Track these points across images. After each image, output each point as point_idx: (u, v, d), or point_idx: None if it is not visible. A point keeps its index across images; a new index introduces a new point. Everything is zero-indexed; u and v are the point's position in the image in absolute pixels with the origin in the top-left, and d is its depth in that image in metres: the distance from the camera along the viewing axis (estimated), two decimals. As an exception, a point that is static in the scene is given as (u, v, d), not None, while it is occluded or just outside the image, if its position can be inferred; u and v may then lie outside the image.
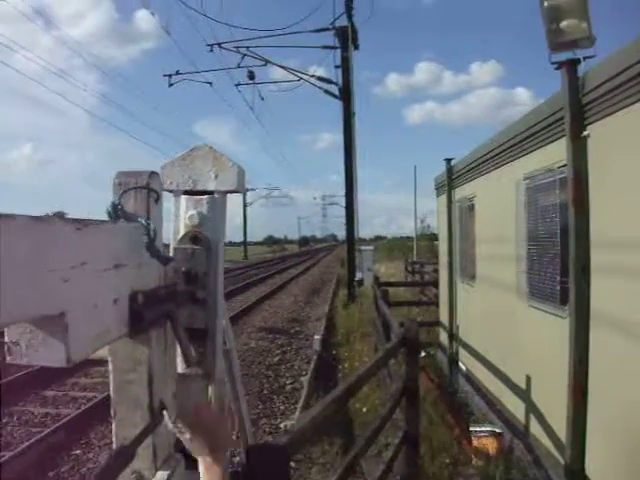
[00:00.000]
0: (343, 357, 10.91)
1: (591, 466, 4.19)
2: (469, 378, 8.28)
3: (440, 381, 9.34)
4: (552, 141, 4.91)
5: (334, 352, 11.45)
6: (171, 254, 1.61)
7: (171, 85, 21.10)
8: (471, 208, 8.45)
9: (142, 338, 1.26)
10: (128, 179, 1.31)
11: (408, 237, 53.71)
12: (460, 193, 9.20)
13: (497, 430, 6.12)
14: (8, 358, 0.96)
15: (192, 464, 1.51)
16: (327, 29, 19.99)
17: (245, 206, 74.88)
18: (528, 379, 5.61)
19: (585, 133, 4.18)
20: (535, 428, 5.45)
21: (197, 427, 1.37)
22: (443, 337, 10.58)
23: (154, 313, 1.26)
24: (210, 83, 22.32)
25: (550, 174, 5.01)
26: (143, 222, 1.27)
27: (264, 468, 1.93)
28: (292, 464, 5.47)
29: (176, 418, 1.37)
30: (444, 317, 10.41)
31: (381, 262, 35.59)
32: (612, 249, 3.91)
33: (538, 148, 5.35)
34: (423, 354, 10.21)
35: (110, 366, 1.31)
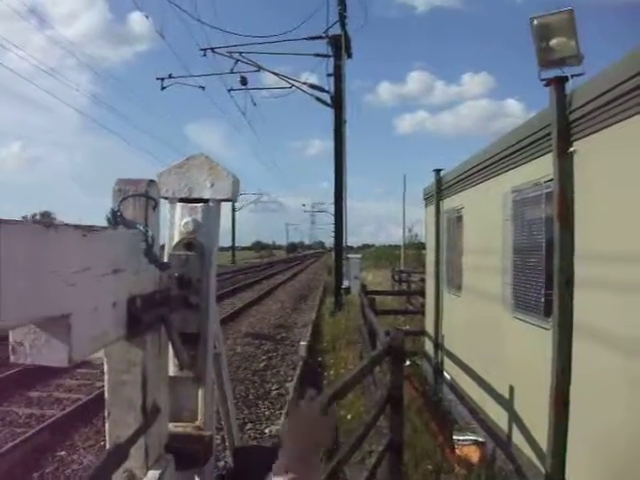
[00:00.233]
0: (329, 364, 10.94)
1: (572, 476, 4.26)
2: (453, 387, 8.34)
3: (425, 390, 9.39)
4: (539, 156, 5.00)
5: (320, 359, 11.48)
6: (166, 259, 1.66)
7: (164, 88, 21.15)
8: (459, 219, 8.54)
9: (137, 341, 1.30)
10: (127, 186, 1.36)
11: (396, 245, 53.92)
12: (448, 204, 9.29)
13: (480, 439, 6.18)
14: (12, 357, 1.00)
15: (182, 464, 1.55)
16: (320, 37, 20.11)
17: (234, 211, 74.68)
18: (511, 389, 5.68)
19: (571, 149, 4.28)
20: (517, 437, 5.51)
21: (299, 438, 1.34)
22: (428, 346, 10.63)
23: (151, 317, 1.30)
24: (203, 87, 22.40)
25: (537, 188, 5.10)
26: (141, 229, 1.32)
27: (251, 470, 1.97)
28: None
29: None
30: (430, 326, 10.47)
31: (369, 270, 35.67)
32: (595, 263, 3.99)
33: (526, 162, 5.44)
34: (408, 363, 10.26)
35: (105, 367, 1.34)
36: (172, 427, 1.65)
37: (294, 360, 11.30)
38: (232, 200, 1.80)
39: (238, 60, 20.21)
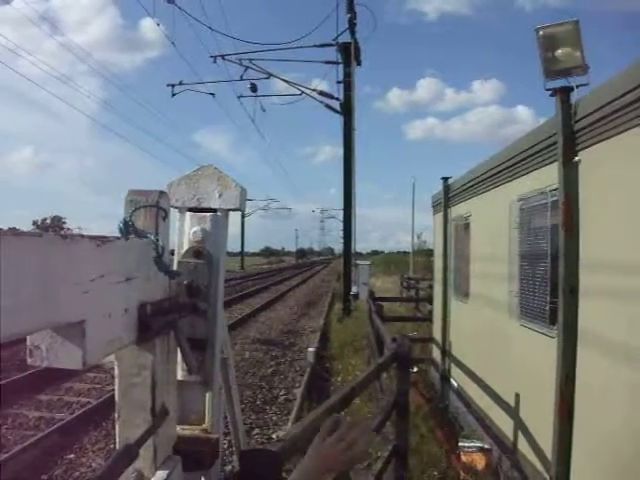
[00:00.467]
0: (336, 370, 10.96)
1: (576, 484, 4.27)
2: (460, 394, 8.35)
3: (431, 397, 9.40)
4: (545, 165, 5.03)
5: (327, 365, 11.50)
6: (175, 267, 1.72)
7: (174, 95, 21.29)
8: (466, 227, 8.56)
9: (147, 345, 1.36)
10: (139, 197, 1.42)
11: (405, 252, 53.81)
12: (456, 211, 9.32)
13: (486, 446, 6.19)
14: (29, 360, 1.06)
15: (189, 466, 1.60)
16: (330, 45, 20.21)
17: (243, 217, 74.85)
18: (517, 396, 5.69)
19: (576, 159, 4.31)
20: (523, 445, 5.52)
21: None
22: (435, 353, 10.64)
23: (160, 323, 1.36)
24: (213, 94, 22.54)
25: (542, 197, 5.13)
26: (152, 238, 1.38)
27: (257, 473, 2.01)
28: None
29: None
30: (437, 333, 10.48)
31: (377, 276, 35.69)
32: (600, 271, 4.02)
33: (532, 171, 5.47)
34: (415, 370, 10.28)
35: (116, 371, 1.40)
36: (180, 429, 1.70)
37: (302, 366, 11.33)
38: (240, 210, 1.85)
39: (248, 67, 20.32)
